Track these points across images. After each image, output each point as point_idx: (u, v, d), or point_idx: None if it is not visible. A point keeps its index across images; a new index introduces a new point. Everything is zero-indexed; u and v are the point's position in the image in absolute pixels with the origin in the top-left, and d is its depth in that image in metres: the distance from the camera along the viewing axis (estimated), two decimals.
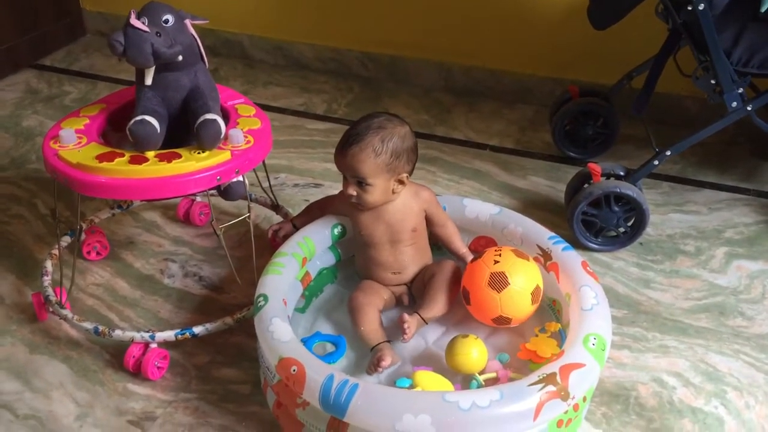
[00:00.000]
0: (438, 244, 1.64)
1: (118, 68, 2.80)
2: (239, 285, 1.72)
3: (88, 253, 1.81)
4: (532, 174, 2.14)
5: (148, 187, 1.39)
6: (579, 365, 1.23)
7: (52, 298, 1.58)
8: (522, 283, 1.41)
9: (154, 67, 1.44)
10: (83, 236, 1.80)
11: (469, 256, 1.60)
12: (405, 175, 1.50)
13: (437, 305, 1.48)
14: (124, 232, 1.92)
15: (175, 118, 1.50)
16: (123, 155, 1.42)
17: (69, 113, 1.60)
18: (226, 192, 1.56)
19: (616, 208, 1.76)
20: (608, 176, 1.79)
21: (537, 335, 1.42)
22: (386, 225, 1.54)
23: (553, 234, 1.55)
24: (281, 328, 1.32)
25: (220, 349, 1.56)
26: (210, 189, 1.48)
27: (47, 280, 1.63)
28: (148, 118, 1.41)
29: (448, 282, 1.50)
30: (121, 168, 1.39)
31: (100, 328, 1.50)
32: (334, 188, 2.08)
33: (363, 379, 1.23)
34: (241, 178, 1.55)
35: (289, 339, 1.30)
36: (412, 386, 1.30)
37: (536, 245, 1.53)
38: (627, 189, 1.73)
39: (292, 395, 1.28)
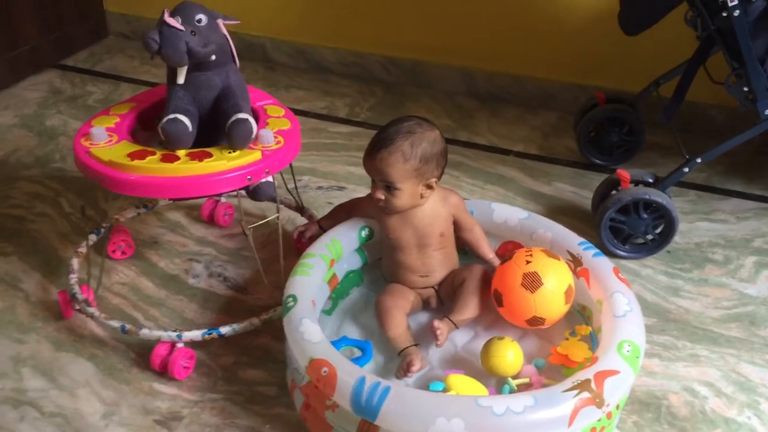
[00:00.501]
0: (465, 249, 1.63)
1: (141, 70, 2.81)
2: (265, 286, 1.72)
3: (113, 252, 1.81)
4: (557, 180, 2.13)
5: (179, 185, 1.38)
6: (614, 372, 1.22)
7: (79, 296, 1.57)
8: (555, 283, 1.40)
9: (186, 66, 1.43)
10: (109, 235, 1.80)
11: (497, 261, 1.59)
12: (434, 180, 1.50)
13: (468, 309, 1.47)
14: (149, 231, 1.92)
15: (206, 117, 1.49)
16: (154, 153, 1.42)
17: (99, 111, 1.60)
18: (254, 192, 1.56)
19: (645, 215, 1.74)
20: (637, 183, 1.78)
21: (567, 339, 1.41)
22: (414, 229, 1.53)
23: (583, 240, 1.53)
24: (311, 329, 1.31)
25: (246, 350, 1.56)
26: (239, 189, 1.47)
27: (74, 278, 1.62)
28: (180, 116, 1.40)
29: (479, 286, 1.49)
30: (153, 166, 1.39)
31: (127, 326, 1.49)
32: (358, 191, 2.07)
33: (394, 383, 1.21)
34: (270, 179, 1.55)
35: (319, 340, 1.29)
36: (445, 390, 1.29)
37: (566, 251, 1.52)
38: (656, 196, 1.71)
39: (322, 397, 1.27)
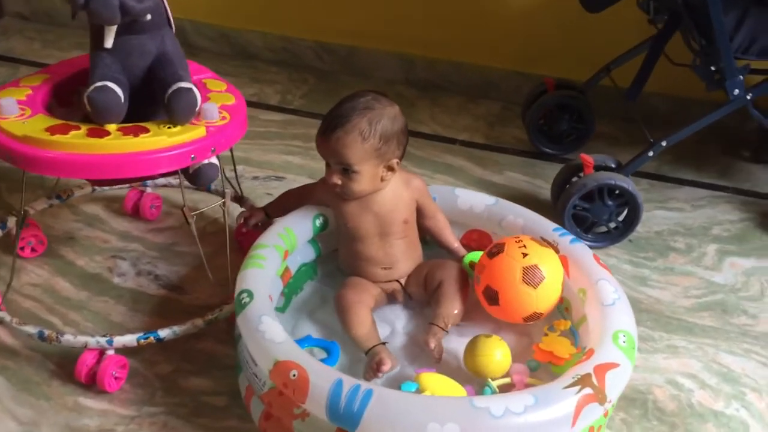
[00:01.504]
0: (426, 238, 1.49)
1: (43, 53, 2.54)
2: (201, 285, 1.53)
3: (22, 249, 1.57)
4: (508, 169, 2.02)
5: (110, 164, 1.18)
6: (613, 365, 1.11)
7: None
8: (554, 275, 1.29)
9: (116, 26, 1.23)
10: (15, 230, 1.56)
11: (462, 251, 1.46)
12: (395, 160, 1.36)
13: (453, 310, 1.33)
14: (62, 226, 1.68)
15: (137, 89, 1.30)
16: (79, 128, 1.21)
17: (5, 83, 1.37)
18: (195, 176, 1.37)
19: (610, 202, 1.66)
20: (598, 169, 1.69)
21: (547, 334, 1.29)
22: (375, 216, 1.38)
23: (557, 225, 1.43)
24: (273, 327, 1.14)
25: (187, 357, 1.36)
26: (179, 170, 1.29)
27: None
28: (110, 84, 1.20)
29: (460, 285, 1.36)
30: (78, 141, 1.18)
31: (46, 332, 1.27)
32: (298, 181, 1.90)
33: (376, 386, 1.06)
34: (214, 160, 1.37)
35: (283, 340, 1.12)
36: (419, 390, 1.15)
37: (540, 238, 1.41)
38: (622, 181, 1.63)
39: (289, 405, 1.10)
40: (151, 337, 1.29)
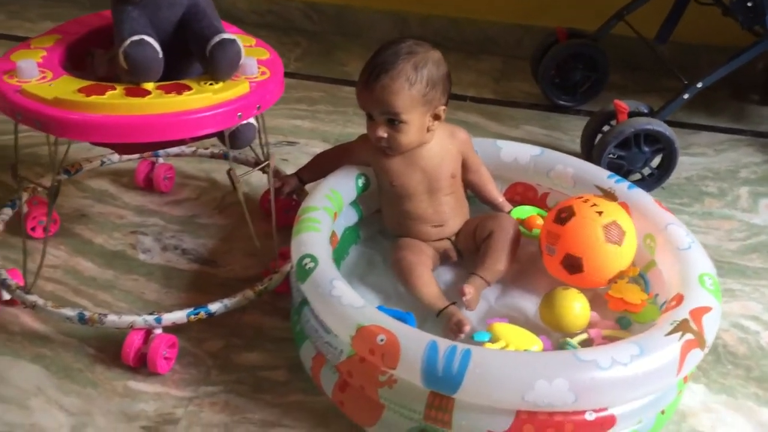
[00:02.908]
0: (468, 193, 1.42)
1: (9, 24, 2.38)
2: (233, 257, 1.44)
3: (33, 229, 1.45)
4: (524, 123, 1.97)
5: (155, 125, 1.07)
6: (707, 309, 1.07)
7: (10, 282, 1.22)
8: (630, 226, 1.22)
9: None
10: (26, 209, 1.44)
11: (507, 206, 1.41)
12: (442, 108, 1.29)
13: (499, 264, 1.26)
14: (71, 203, 1.56)
15: (167, 45, 1.18)
16: (114, 88, 1.10)
17: (17, 46, 1.24)
18: (233, 137, 1.27)
19: (646, 149, 1.62)
20: (631, 115, 1.64)
21: (616, 282, 1.24)
22: (422, 172, 1.31)
23: (610, 172, 1.37)
24: (348, 291, 1.06)
25: (235, 332, 1.27)
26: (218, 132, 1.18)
27: None
28: (147, 38, 1.09)
29: (512, 238, 1.29)
30: (118, 102, 1.07)
31: (87, 314, 1.17)
32: (311, 145, 1.82)
33: (471, 345, 0.99)
34: (252, 120, 1.27)
35: (363, 304, 1.04)
36: (492, 340, 1.09)
37: (595, 186, 1.35)
38: (659, 126, 1.59)
39: (373, 372, 1.03)
40: (202, 312, 1.19)
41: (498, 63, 2.28)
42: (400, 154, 1.30)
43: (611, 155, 1.62)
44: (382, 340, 0.99)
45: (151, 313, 1.18)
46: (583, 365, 0.96)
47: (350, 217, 1.37)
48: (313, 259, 1.12)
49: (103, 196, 1.59)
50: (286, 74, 2.18)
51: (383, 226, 1.40)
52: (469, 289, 1.21)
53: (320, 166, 1.40)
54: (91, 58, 1.31)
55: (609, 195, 1.33)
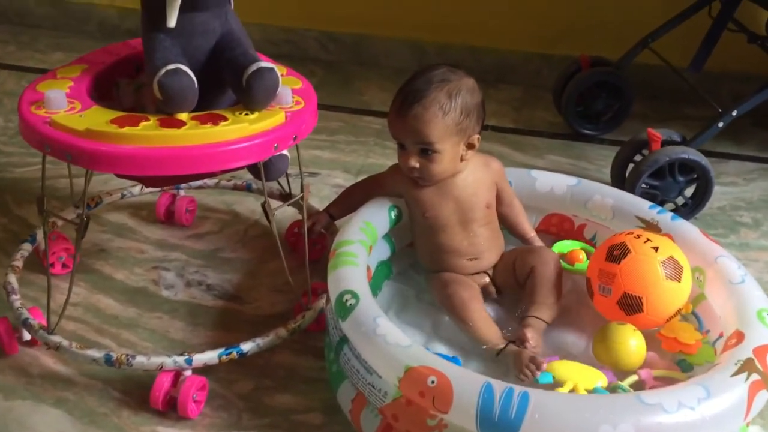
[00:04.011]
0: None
1: (20, 55, 2.34)
2: (259, 293, 1.39)
3: (52, 265, 1.39)
4: (548, 153, 1.93)
5: (191, 157, 1.03)
6: None
7: (33, 322, 1.17)
8: (685, 261, 1.17)
9: (179, 3, 1.08)
10: (43, 245, 1.39)
11: (538, 241, 1.36)
12: (476, 136, 1.25)
13: (552, 301, 1.21)
14: (89, 238, 1.50)
15: (199, 74, 1.14)
16: (148, 119, 1.06)
17: (41, 76, 1.20)
18: (266, 168, 1.22)
19: (681, 178, 1.58)
20: (664, 144, 1.60)
21: (669, 321, 1.19)
22: (456, 202, 1.27)
23: (652, 202, 1.33)
24: (393, 330, 1.01)
25: (265, 372, 1.22)
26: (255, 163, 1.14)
27: (17, 299, 1.21)
28: (182, 67, 1.05)
29: (557, 274, 1.24)
30: (152, 134, 1.03)
31: (114, 355, 1.11)
32: (332, 176, 1.78)
33: (527, 388, 0.94)
34: (285, 151, 1.23)
35: (410, 343, 0.99)
36: (555, 381, 1.04)
37: (636, 217, 1.31)
38: (695, 155, 1.55)
39: (421, 415, 0.97)
40: (234, 353, 1.14)
41: (518, 92, 2.24)
42: (433, 184, 1.26)
43: (644, 185, 1.58)
44: (432, 382, 0.93)
45: (181, 354, 1.12)
46: (648, 409, 0.90)
47: (383, 251, 1.32)
48: (354, 295, 1.07)
49: (122, 230, 1.54)
50: None
51: (415, 260, 1.35)
52: (531, 335, 1.14)
53: (350, 201, 1.36)
54: (117, 88, 1.28)
55: (652, 227, 1.29)
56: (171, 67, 1.04)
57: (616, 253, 1.17)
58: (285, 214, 1.55)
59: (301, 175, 1.31)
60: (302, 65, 2.34)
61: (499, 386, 0.92)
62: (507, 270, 1.29)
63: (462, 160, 1.25)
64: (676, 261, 1.15)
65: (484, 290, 1.29)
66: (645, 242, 1.18)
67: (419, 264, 1.34)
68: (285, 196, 1.50)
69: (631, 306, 1.15)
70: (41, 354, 1.22)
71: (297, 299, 1.27)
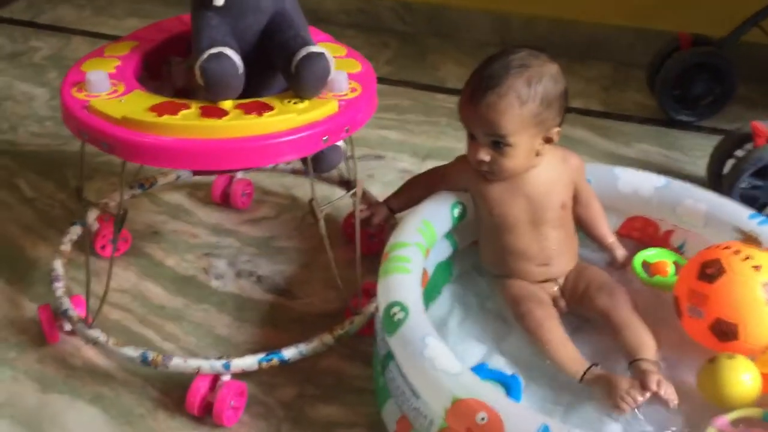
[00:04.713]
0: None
1: (95, 20, 2.32)
2: (312, 287, 1.31)
3: (102, 247, 1.35)
4: (637, 140, 1.76)
5: (233, 151, 0.95)
6: None
7: (72, 314, 1.12)
8: None
9: None
10: (96, 226, 1.34)
11: (618, 248, 1.22)
12: (556, 130, 1.11)
13: (649, 341, 1.06)
14: (144, 219, 1.46)
15: (248, 56, 1.05)
16: (188, 107, 0.98)
17: (89, 53, 1.14)
18: (316, 160, 1.13)
19: None
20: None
21: (764, 353, 1.04)
22: (527, 200, 1.14)
23: (754, 211, 1.17)
24: (443, 352, 0.91)
25: (310, 378, 1.14)
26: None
27: (59, 287, 1.17)
28: (226, 51, 0.96)
29: (635, 308, 1.11)
30: (192, 124, 0.95)
31: (150, 355, 1.05)
32: (398, 160, 1.67)
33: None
34: (340, 142, 1.13)
35: (460, 370, 0.89)
36: None
37: (732, 227, 1.15)
38: None
39: None
40: (275, 359, 1.06)
41: (607, 70, 2.07)
42: (503, 179, 1.14)
43: (744, 185, 1.41)
44: (483, 419, 0.83)
45: (219, 358, 1.05)
46: None
47: (443, 251, 1.21)
48: (403, 308, 0.97)
49: (177, 212, 1.49)
50: (377, 80, 2.07)
51: (479, 261, 1.24)
52: (656, 384, 0.98)
53: (412, 193, 1.26)
54: (169, 67, 1.20)
55: (751, 239, 1.12)
56: (214, 50, 0.96)
57: (710, 271, 1.03)
58: (345, 201, 1.47)
59: (354, 166, 1.21)
60: (376, 36, 2.24)
61: (558, 429, 0.81)
62: (576, 289, 1.16)
63: (537, 154, 1.12)
64: None
65: (554, 302, 1.17)
66: (744, 260, 1.02)
67: (484, 266, 1.23)
68: (344, 183, 1.40)
69: (725, 333, 1.01)
70: (83, 345, 1.17)
71: (348, 302, 1.18)
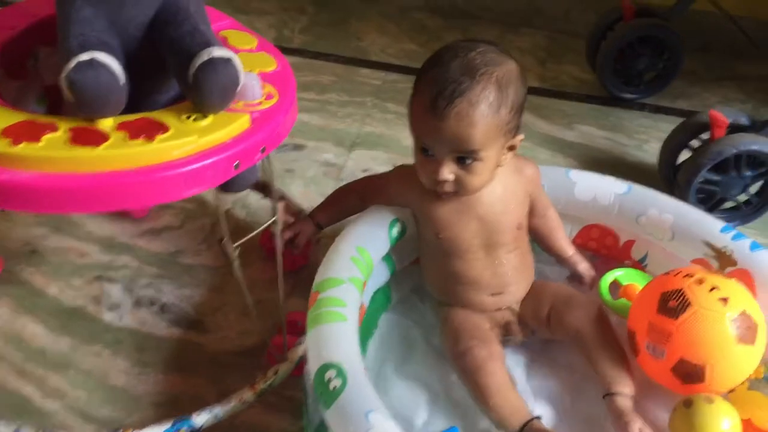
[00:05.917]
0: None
1: None
2: (224, 315, 1.13)
3: None
4: (578, 121, 1.62)
5: (116, 188, 0.73)
6: None
7: None
8: (758, 313, 0.90)
9: None
10: None
11: (581, 262, 1.08)
12: (520, 137, 0.96)
13: (626, 370, 0.94)
14: (18, 234, 1.23)
15: (132, 57, 0.84)
16: (56, 128, 0.75)
17: None
18: (225, 183, 0.93)
19: (747, 173, 1.28)
20: (730, 130, 1.30)
21: (733, 391, 0.92)
22: (479, 222, 0.98)
23: (726, 224, 1.05)
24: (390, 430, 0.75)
25: None
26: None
27: None
28: (100, 56, 0.74)
29: (610, 332, 0.97)
30: (59, 155, 0.73)
31: None
32: (321, 150, 1.48)
33: None
34: None
35: None
36: None
37: (703, 242, 1.03)
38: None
39: None
40: (184, 429, 0.88)
41: (543, 39, 1.91)
42: (462, 197, 0.97)
43: (701, 180, 1.29)
44: None
45: (115, 431, 0.86)
46: None
47: (380, 276, 1.04)
48: (340, 372, 0.80)
49: (61, 224, 1.25)
50: (290, 51, 1.84)
51: (419, 283, 1.07)
52: (636, 426, 0.88)
53: (342, 207, 1.08)
54: (35, 61, 0.97)
55: (723, 257, 1.01)
56: (84, 57, 0.73)
57: (672, 304, 0.89)
58: (261, 203, 1.28)
59: (269, 166, 1.00)
60: (290, 0, 2.00)
61: None
62: (538, 313, 1.01)
63: (498, 166, 0.96)
64: (750, 318, 0.88)
65: (507, 330, 1.02)
66: (711, 291, 0.89)
67: (425, 288, 1.07)
68: (260, 186, 1.20)
69: (689, 375, 0.89)
70: None
71: (267, 340, 1.00)
